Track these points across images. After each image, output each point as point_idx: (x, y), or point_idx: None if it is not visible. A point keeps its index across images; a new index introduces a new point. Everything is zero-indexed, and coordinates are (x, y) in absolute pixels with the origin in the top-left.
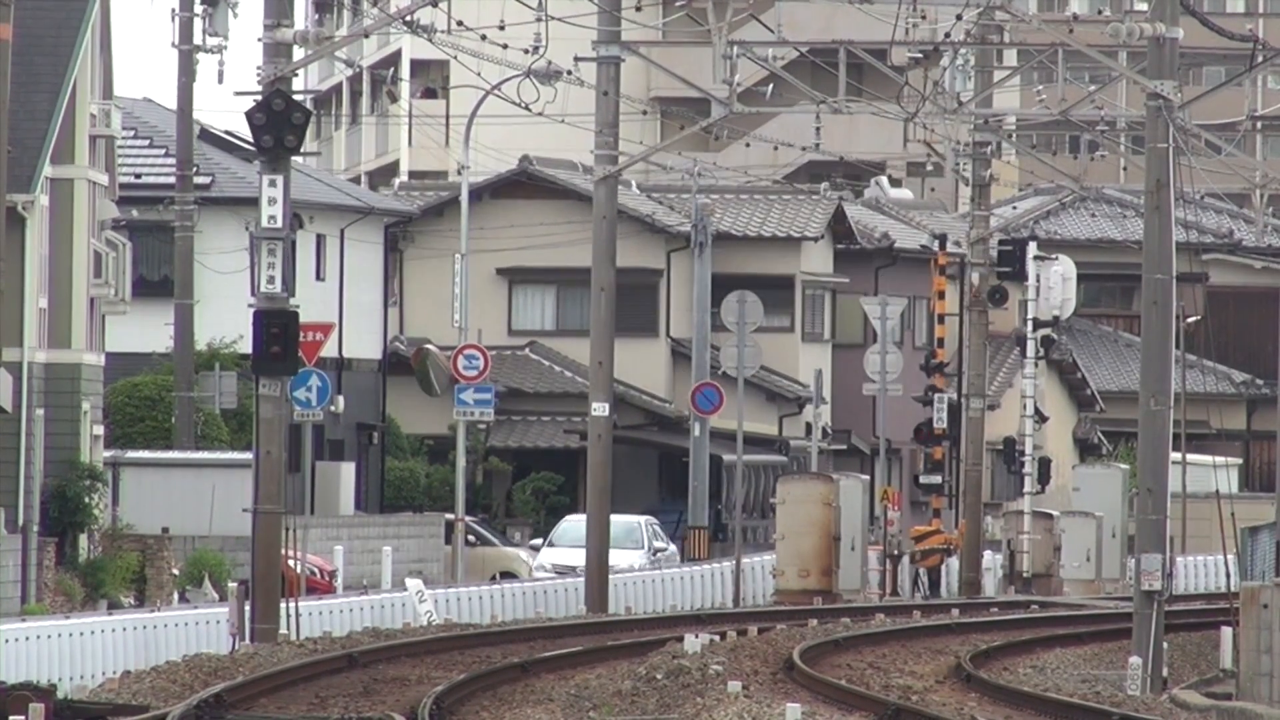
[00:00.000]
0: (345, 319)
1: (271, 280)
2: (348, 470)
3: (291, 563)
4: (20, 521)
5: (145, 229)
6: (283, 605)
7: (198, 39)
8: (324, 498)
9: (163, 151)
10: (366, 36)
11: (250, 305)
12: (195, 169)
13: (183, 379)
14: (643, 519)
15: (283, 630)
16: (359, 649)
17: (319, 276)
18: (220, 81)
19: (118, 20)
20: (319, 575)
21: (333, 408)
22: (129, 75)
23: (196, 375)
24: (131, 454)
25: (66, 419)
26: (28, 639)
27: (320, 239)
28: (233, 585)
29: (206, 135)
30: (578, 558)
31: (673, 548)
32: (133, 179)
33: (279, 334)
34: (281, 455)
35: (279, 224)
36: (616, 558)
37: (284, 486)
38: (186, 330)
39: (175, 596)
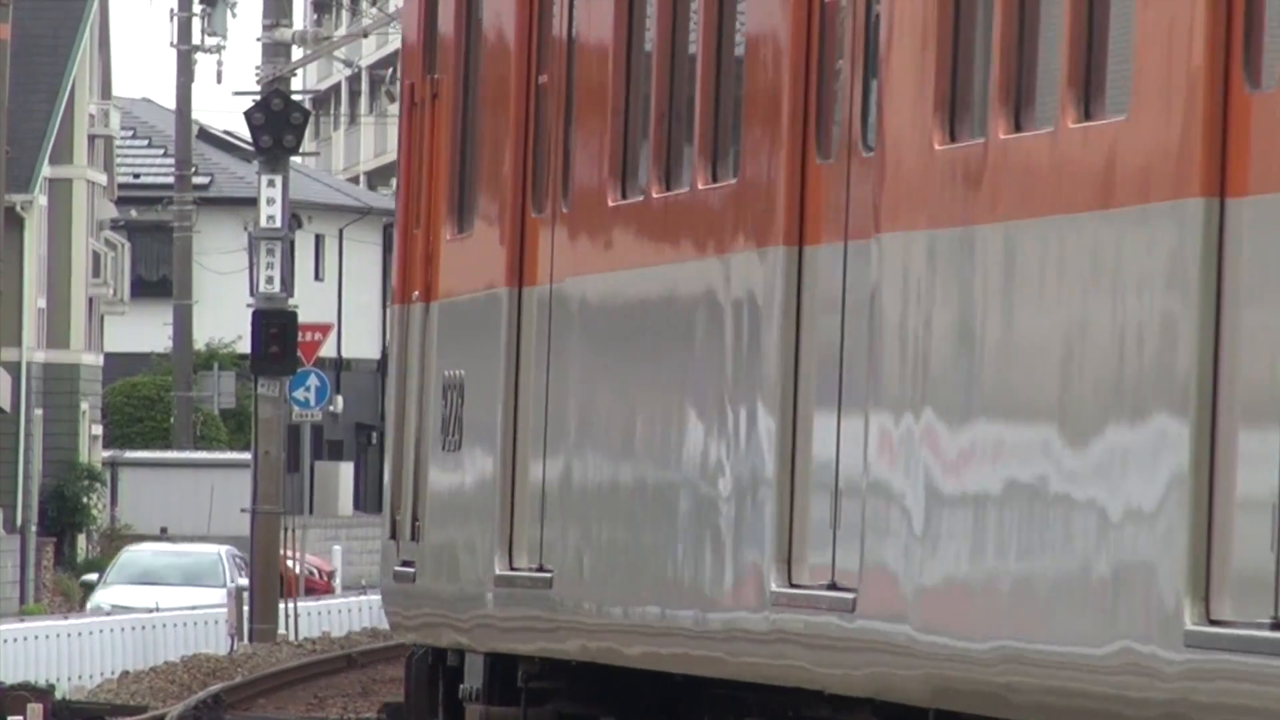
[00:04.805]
0: (344, 319)
1: (270, 280)
2: (346, 470)
3: (290, 563)
4: (19, 521)
5: (144, 229)
6: (281, 605)
7: (196, 39)
8: (323, 498)
9: (161, 151)
10: (365, 36)
11: (249, 305)
12: (194, 169)
13: (181, 379)
14: (224, 550)
15: (281, 630)
16: (357, 649)
17: (318, 276)
18: (219, 81)
19: (116, 20)
20: (317, 575)
21: (331, 408)
22: (128, 75)
23: (195, 375)
24: (130, 454)
25: (65, 419)
26: (26, 639)
27: (319, 239)
28: (231, 586)
29: (205, 135)
30: (143, 597)
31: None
32: (131, 179)
33: (277, 334)
34: (280, 455)
35: (278, 224)
36: (190, 597)
37: (283, 487)
38: (185, 330)
39: None
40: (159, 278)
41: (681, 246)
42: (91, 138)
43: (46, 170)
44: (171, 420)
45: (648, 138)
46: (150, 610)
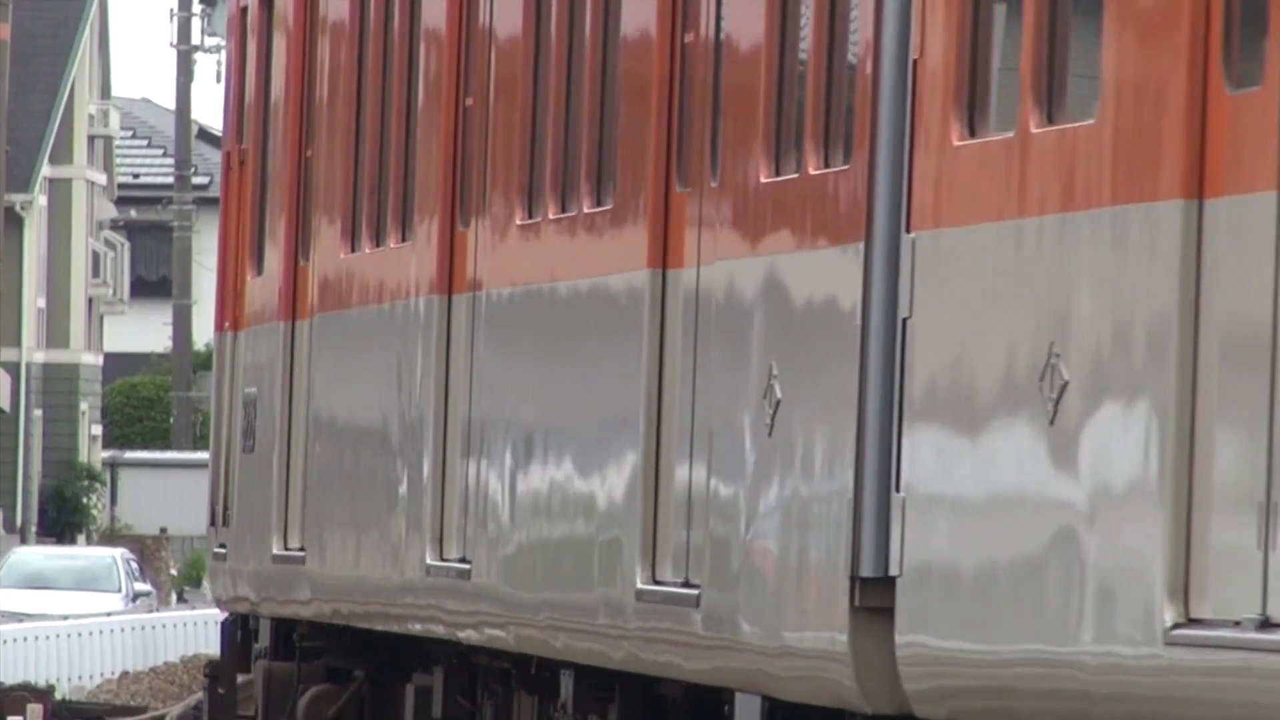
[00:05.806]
0: None
1: None
2: None
3: None
4: (19, 522)
5: (143, 229)
6: None
7: (196, 39)
8: None
9: (161, 151)
10: None
11: None
12: (193, 169)
13: (181, 379)
14: (118, 553)
15: None
16: None
17: None
18: (219, 81)
19: (116, 20)
20: None
21: None
22: (128, 75)
23: (195, 375)
24: (129, 454)
25: (64, 419)
26: (26, 639)
27: None
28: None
29: (205, 135)
30: (33, 602)
31: (155, 591)
32: (131, 179)
33: None
34: None
35: None
36: (82, 603)
37: None
38: (185, 330)
39: (174, 597)
40: (159, 278)
41: (380, 292)
42: (91, 138)
43: (46, 170)
44: (171, 420)
45: (365, 210)
46: (37, 617)
